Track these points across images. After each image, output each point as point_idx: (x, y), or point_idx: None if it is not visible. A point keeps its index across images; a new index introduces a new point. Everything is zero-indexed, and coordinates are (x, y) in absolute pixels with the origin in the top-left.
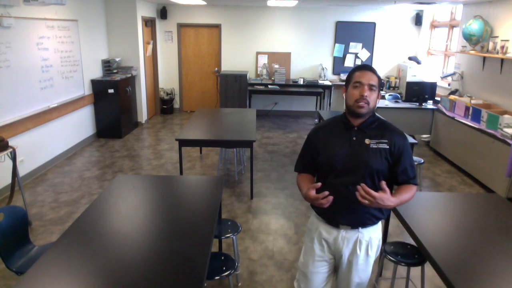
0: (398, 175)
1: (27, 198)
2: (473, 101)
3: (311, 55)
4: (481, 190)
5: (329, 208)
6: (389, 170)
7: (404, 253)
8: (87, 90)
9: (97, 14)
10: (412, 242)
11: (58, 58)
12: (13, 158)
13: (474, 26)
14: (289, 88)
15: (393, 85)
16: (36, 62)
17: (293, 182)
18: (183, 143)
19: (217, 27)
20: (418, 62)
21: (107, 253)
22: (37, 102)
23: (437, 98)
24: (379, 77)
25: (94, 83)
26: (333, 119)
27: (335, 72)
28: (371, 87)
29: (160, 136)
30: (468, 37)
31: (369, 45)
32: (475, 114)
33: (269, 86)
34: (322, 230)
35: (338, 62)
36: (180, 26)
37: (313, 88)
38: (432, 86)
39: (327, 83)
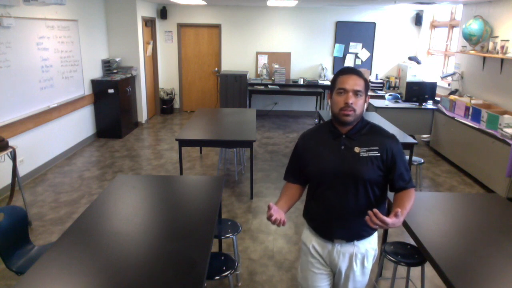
0: (395, 181)
1: (27, 198)
2: (473, 101)
3: (311, 55)
4: (481, 190)
5: (322, 221)
6: (383, 178)
7: (404, 253)
8: (87, 90)
9: (97, 14)
10: (412, 242)
11: (58, 58)
12: (13, 158)
13: (474, 26)
14: (289, 88)
15: (393, 85)
16: (36, 62)
17: None
18: (183, 143)
19: (217, 27)
20: (418, 62)
21: (107, 253)
22: (37, 102)
23: (437, 98)
24: (365, 80)
25: (94, 83)
26: (320, 126)
27: (335, 72)
28: (356, 93)
29: (160, 136)
30: (468, 37)
31: (369, 45)
32: (475, 114)
33: (269, 86)
34: (316, 244)
35: (338, 62)
36: (180, 26)
37: (313, 88)
38: (432, 86)
39: (327, 83)
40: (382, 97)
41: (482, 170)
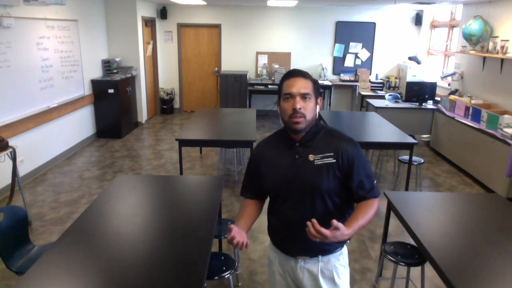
0: (354, 191)
1: (27, 198)
2: (473, 101)
3: (311, 55)
4: (481, 190)
5: (283, 237)
6: (342, 186)
7: (404, 253)
8: (87, 90)
9: (97, 14)
10: (412, 242)
11: (58, 58)
12: (13, 158)
13: (474, 26)
14: None
15: (393, 85)
16: (36, 62)
17: None
18: (183, 143)
19: (217, 27)
20: (418, 62)
21: (107, 253)
22: (37, 102)
23: (437, 98)
24: (313, 81)
25: (94, 83)
26: (276, 134)
27: (335, 72)
28: (304, 96)
29: (160, 136)
30: (468, 37)
31: (369, 45)
32: (475, 114)
33: (269, 86)
34: (280, 260)
35: (338, 62)
36: (180, 26)
37: None
38: (432, 86)
39: (327, 83)
40: (382, 97)
41: (482, 170)
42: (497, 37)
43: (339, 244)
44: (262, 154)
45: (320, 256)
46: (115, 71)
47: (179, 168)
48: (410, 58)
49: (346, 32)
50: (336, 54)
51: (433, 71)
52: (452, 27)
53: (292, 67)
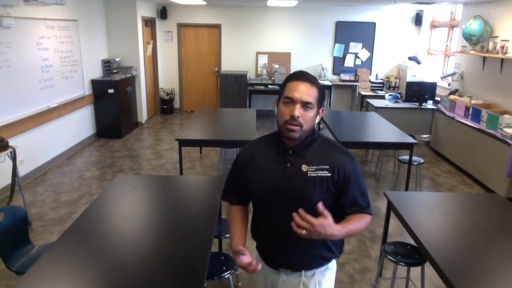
0: (346, 206)
1: (27, 198)
2: (473, 101)
3: (311, 55)
4: (481, 190)
5: (265, 246)
6: (334, 200)
7: (404, 253)
8: (87, 90)
9: (97, 14)
10: (412, 242)
11: (58, 58)
12: (13, 158)
13: (474, 26)
14: None
15: (393, 85)
16: (36, 62)
17: None
18: (183, 143)
19: (217, 27)
20: (418, 62)
21: (107, 253)
22: (37, 102)
23: (437, 98)
24: (319, 89)
25: (94, 83)
26: (267, 137)
27: (335, 72)
28: (306, 105)
29: (160, 136)
30: (468, 37)
31: (369, 45)
32: (475, 114)
33: (269, 86)
34: (265, 272)
35: (338, 62)
36: (180, 26)
37: None
38: (432, 86)
39: (327, 83)
40: (382, 97)
41: (482, 170)
42: (497, 37)
43: (325, 260)
44: (250, 155)
45: (303, 271)
46: (115, 71)
47: (179, 168)
48: (410, 58)
49: (346, 32)
50: (336, 54)
51: (433, 71)
52: (452, 27)
53: (292, 67)
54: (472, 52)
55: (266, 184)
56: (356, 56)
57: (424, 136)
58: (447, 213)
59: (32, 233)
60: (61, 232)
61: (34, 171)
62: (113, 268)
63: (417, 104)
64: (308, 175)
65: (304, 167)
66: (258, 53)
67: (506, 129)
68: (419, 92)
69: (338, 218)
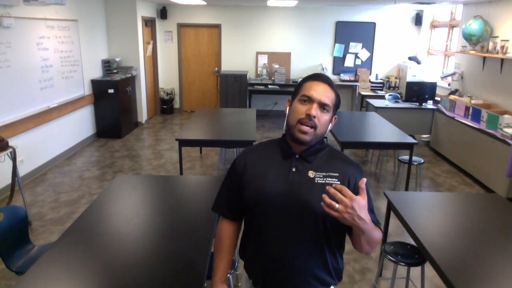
0: None
1: (27, 198)
2: (473, 101)
3: (311, 55)
4: (481, 190)
5: (255, 266)
6: None
7: (404, 253)
8: (87, 90)
9: (97, 14)
10: (412, 242)
11: (58, 58)
12: (13, 158)
13: (474, 26)
14: (289, 88)
15: (393, 85)
16: (36, 62)
17: None
18: (183, 143)
19: (217, 27)
20: (418, 62)
21: (107, 253)
22: (37, 102)
23: (437, 98)
24: (337, 95)
25: (94, 83)
26: (269, 142)
27: (335, 72)
28: (323, 106)
29: (160, 136)
30: (468, 37)
31: (369, 45)
32: (475, 114)
33: (269, 86)
34: None
35: (338, 62)
36: (180, 26)
37: None
38: (432, 86)
39: None
40: (382, 97)
41: (482, 170)
42: (497, 37)
43: (322, 284)
44: (249, 160)
45: None
46: (115, 71)
47: (179, 168)
48: (410, 58)
49: (346, 32)
50: (336, 54)
51: (433, 71)
52: (452, 27)
53: (292, 67)
54: (472, 52)
55: (266, 188)
56: (356, 56)
57: (424, 136)
58: (447, 213)
59: (32, 233)
60: (61, 232)
61: (34, 171)
62: (113, 268)
63: (417, 104)
64: (315, 181)
65: (311, 173)
66: (258, 53)
67: (506, 129)
68: (419, 92)
69: (340, 238)
